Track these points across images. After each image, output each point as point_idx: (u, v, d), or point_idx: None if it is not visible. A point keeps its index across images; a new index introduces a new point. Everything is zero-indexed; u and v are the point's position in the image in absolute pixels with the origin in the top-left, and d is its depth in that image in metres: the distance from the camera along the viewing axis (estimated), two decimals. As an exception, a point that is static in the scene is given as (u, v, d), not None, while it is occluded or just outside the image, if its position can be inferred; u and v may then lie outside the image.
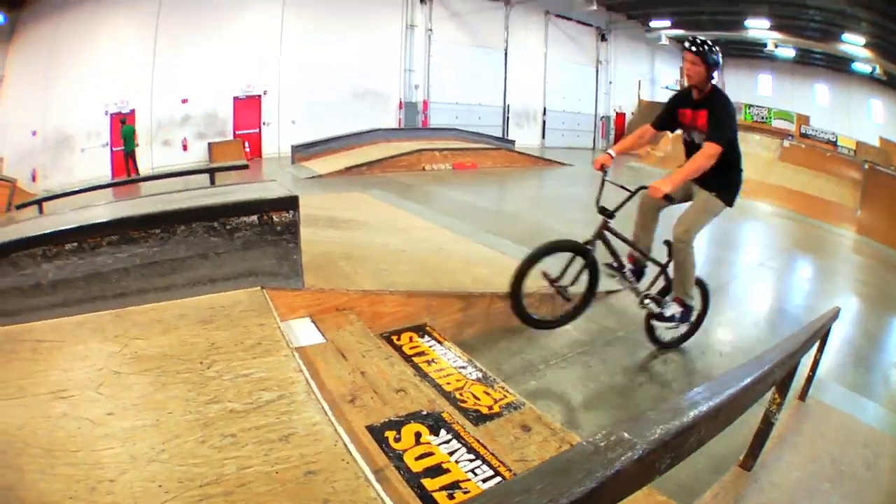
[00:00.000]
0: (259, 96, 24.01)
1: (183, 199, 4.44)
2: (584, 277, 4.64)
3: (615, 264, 4.81)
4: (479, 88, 28.73)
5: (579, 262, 4.59)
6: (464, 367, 3.48)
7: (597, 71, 33.84)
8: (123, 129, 20.37)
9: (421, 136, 21.23)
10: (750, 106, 28.06)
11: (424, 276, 4.67)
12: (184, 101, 22.07)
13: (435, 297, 4.28)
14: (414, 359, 3.57)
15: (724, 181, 4.68)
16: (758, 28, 29.24)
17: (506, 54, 29.64)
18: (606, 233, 4.66)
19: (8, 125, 22.31)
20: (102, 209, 4.54)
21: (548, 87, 31.68)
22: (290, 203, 4.11)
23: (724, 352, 5.07)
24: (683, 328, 5.06)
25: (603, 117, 34.43)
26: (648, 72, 36.33)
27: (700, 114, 4.57)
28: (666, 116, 4.98)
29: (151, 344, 3.37)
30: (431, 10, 27.22)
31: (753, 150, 18.43)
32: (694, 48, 4.59)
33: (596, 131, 34.25)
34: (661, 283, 4.91)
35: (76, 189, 9.27)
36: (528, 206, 12.24)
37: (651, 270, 4.92)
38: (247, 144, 23.24)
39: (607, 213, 4.64)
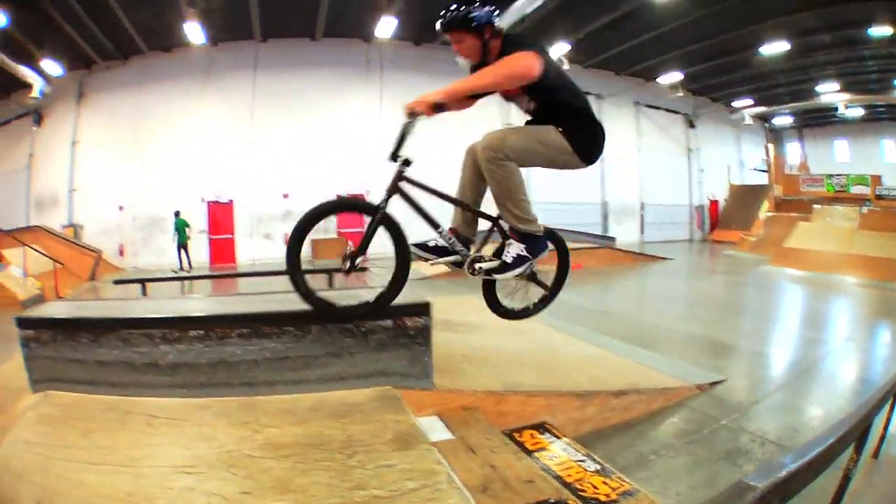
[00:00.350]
0: (362, 196, 24.07)
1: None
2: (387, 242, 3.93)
3: (433, 242, 4.02)
4: (578, 186, 28.17)
5: (373, 224, 3.86)
6: (582, 461, 3.59)
7: (689, 159, 33.17)
8: (176, 222, 20.95)
9: (524, 236, 21.16)
10: (830, 176, 27.70)
11: (542, 377, 4.73)
12: (285, 196, 22.66)
13: (554, 397, 4.38)
14: (536, 454, 3.68)
15: (574, 121, 3.85)
16: (829, 92, 29.28)
17: (601, 149, 29.60)
18: (402, 185, 3.95)
19: (87, 194, 23.55)
20: (224, 301, 4.79)
21: (643, 180, 31.15)
22: (424, 309, 4.25)
23: (815, 426, 5.01)
24: (536, 292, 4.33)
25: (697, 207, 33.61)
26: (736, 154, 35.61)
27: None
28: None
29: (285, 433, 3.48)
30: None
31: (836, 223, 18.08)
32: (444, 23, 3.73)
33: (691, 222, 33.45)
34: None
35: (184, 275, 9.59)
36: (633, 304, 12.39)
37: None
38: (350, 244, 23.18)
39: (400, 159, 3.92)
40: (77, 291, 16.73)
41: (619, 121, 29.92)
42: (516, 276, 3.98)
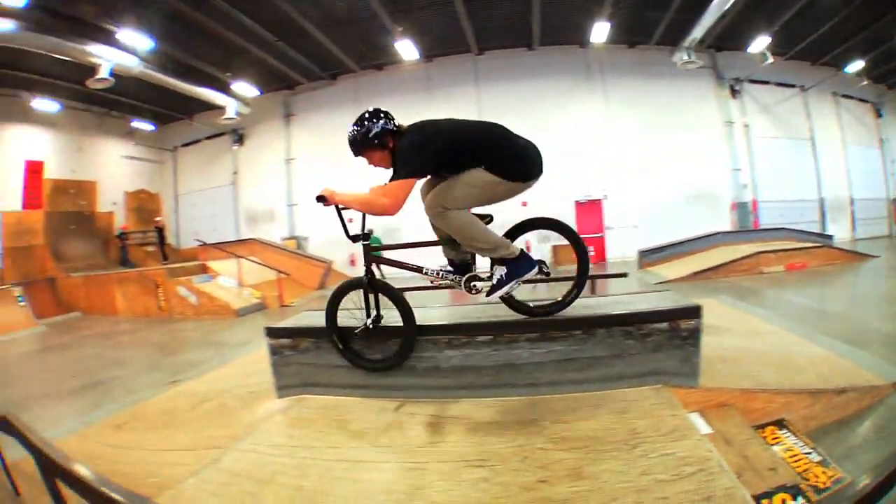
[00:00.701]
0: (600, 200, 24.71)
1: (596, 307, 4.99)
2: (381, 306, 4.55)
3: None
4: (795, 183, 27.42)
5: (366, 295, 4.53)
6: (809, 453, 3.94)
7: (882, 150, 30.46)
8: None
9: (754, 237, 21.08)
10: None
11: (782, 376, 4.91)
12: (524, 205, 23.17)
13: (792, 395, 4.49)
14: (774, 447, 3.99)
15: (491, 160, 4.14)
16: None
17: (813, 143, 28.16)
18: (375, 255, 4.55)
19: (307, 207, 25.00)
20: (499, 307, 4.93)
21: (851, 174, 29.13)
22: (695, 312, 4.43)
23: None
24: (560, 290, 4.78)
25: (893, 200, 30.62)
26: (914, 143, 32.34)
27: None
28: None
29: (572, 427, 3.83)
30: (744, 105, 26.79)
31: None
32: (351, 147, 4.22)
33: (890, 216, 30.55)
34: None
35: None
36: (848, 304, 12.38)
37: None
38: (591, 248, 23.15)
39: (358, 238, 4.51)
40: (306, 300, 17.72)
41: (822, 113, 28.54)
42: (501, 295, 4.41)
